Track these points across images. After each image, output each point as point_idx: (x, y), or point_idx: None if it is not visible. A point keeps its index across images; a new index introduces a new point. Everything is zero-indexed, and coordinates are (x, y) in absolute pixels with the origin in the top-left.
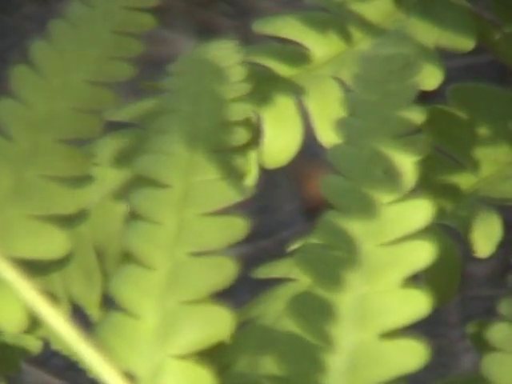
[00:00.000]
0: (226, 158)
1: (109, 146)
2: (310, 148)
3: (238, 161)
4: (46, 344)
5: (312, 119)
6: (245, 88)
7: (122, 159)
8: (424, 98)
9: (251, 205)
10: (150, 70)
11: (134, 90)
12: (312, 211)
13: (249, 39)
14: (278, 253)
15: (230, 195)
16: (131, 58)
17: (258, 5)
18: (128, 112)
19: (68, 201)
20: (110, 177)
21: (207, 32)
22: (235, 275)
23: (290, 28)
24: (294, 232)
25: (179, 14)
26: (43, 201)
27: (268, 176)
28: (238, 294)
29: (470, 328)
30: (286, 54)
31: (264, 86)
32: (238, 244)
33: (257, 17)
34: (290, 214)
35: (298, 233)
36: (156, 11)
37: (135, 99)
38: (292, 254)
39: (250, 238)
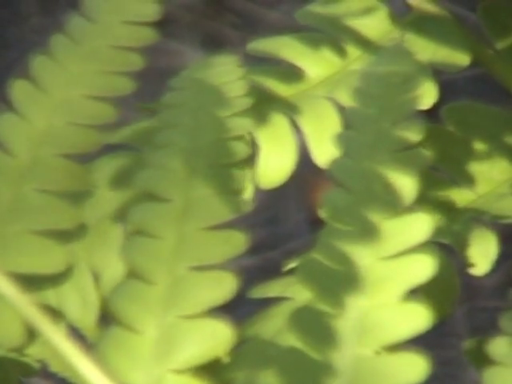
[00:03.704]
0: (225, 172)
1: (107, 168)
2: None
3: (237, 175)
4: None
5: (307, 140)
6: (245, 103)
7: (120, 181)
8: (427, 112)
9: (259, 216)
10: (158, 82)
11: (140, 102)
12: (320, 222)
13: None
14: (285, 264)
15: (229, 210)
16: (135, 71)
17: (265, 16)
18: (126, 134)
19: (67, 216)
20: (107, 199)
21: (215, 43)
22: (235, 289)
23: (285, 49)
24: (302, 243)
25: (187, 25)
26: (42, 215)
27: (275, 187)
28: (247, 305)
29: (467, 345)
30: (283, 74)
31: (260, 106)
32: (246, 255)
33: (264, 28)
34: (297, 225)
35: (306, 244)
36: (163, 23)
37: (141, 113)
38: (289, 271)
39: (257, 249)
